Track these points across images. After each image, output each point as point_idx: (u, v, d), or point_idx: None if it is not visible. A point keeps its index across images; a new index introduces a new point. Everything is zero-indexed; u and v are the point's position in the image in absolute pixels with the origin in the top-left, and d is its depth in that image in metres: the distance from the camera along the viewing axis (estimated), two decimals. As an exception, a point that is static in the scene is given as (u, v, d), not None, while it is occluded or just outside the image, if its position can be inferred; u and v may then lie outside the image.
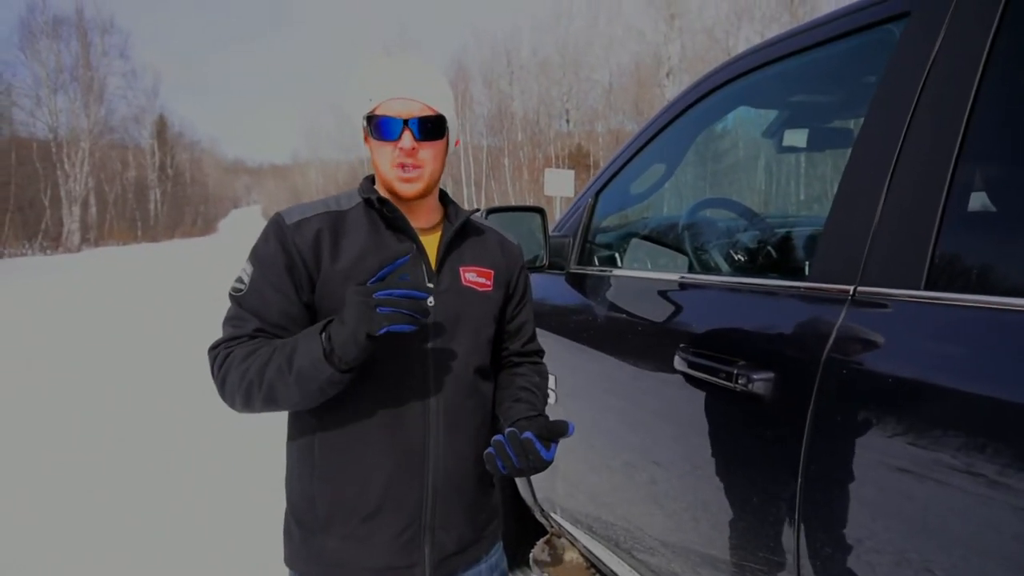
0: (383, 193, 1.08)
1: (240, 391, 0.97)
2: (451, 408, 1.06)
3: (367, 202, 1.07)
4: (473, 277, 1.10)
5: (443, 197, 1.15)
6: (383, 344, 0.96)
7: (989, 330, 0.81)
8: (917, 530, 0.83)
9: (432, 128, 1.02)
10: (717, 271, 1.64)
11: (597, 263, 1.86)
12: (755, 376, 1.07)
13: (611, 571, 1.67)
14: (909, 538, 0.84)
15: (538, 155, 30.13)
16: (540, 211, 1.77)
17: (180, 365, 5.68)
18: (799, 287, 1.12)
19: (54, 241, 29.13)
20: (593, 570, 1.88)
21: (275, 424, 1.01)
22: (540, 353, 1.26)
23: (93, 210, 33.10)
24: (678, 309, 1.44)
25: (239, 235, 36.94)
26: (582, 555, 1.91)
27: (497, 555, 1.21)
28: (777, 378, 1.05)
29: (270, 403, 0.97)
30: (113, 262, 20.89)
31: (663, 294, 1.49)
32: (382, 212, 1.06)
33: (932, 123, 0.93)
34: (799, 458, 0.99)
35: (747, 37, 22.53)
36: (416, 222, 1.08)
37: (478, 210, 1.17)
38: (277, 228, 1.03)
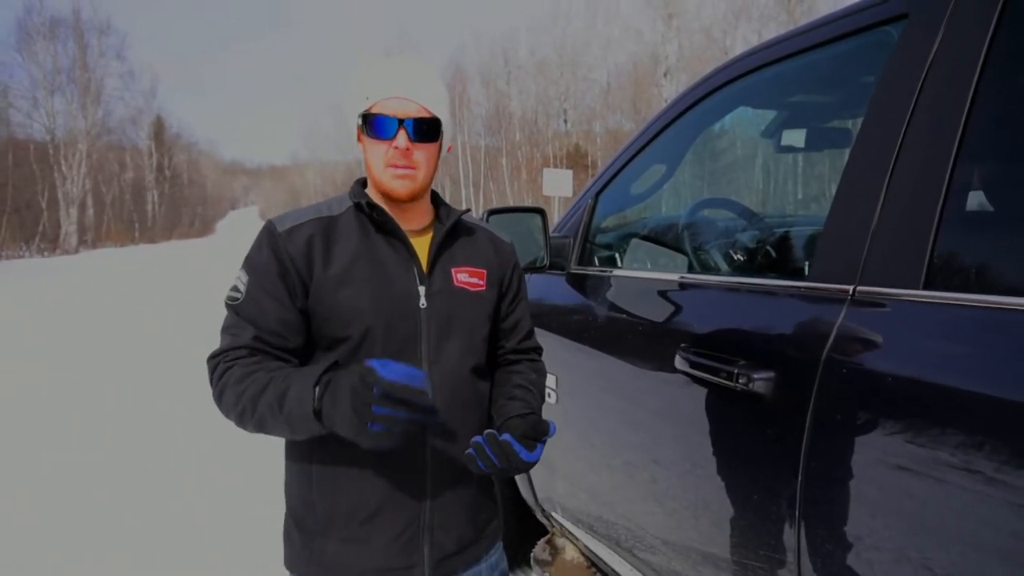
0: (374, 196, 1.08)
1: (234, 413, 0.98)
2: (448, 408, 1.06)
3: (357, 206, 1.07)
4: (465, 278, 1.10)
5: (435, 199, 1.15)
6: (378, 348, 1.03)
7: (987, 329, 0.82)
8: (916, 528, 0.84)
9: (428, 130, 1.02)
10: (717, 271, 1.64)
11: (598, 263, 1.86)
12: (755, 375, 1.07)
13: (612, 570, 1.68)
14: (908, 536, 0.85)
15: (536, 155, 30.14)
16: (541, 212, 1.78)
17: (180, 365, 5.68)
18: (799, 287, 1.13)
19: (51, 243, 29.08)
20: (594, 569, 1.88)
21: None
22: (538, 350, 1.26)
23: (90, 212, 33.04)
24: (679, 309, 1.44)
25: (237, 236, 36.89)
26: (583, 554, 1.92)
27: (497, 555, 1.21)
28: (777, 377, 1.06)
29: (261, 431, 0.98)
30: (111, 264, 20.85)
31: (663, 294, 1.50)
32: (372, 216, 1.06)
33: (930, 124, 0.94)
34: (799, 457, 0.99)
35: (744, 36, 22.57)
36: (407, 224, 1.08)
37: (469, 210, 1.18)
38: (269, 236, 1.03)
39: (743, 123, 1.99)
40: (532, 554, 2.01)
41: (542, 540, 2.05)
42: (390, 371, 0.84)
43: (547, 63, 30.56)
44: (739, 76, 1.44)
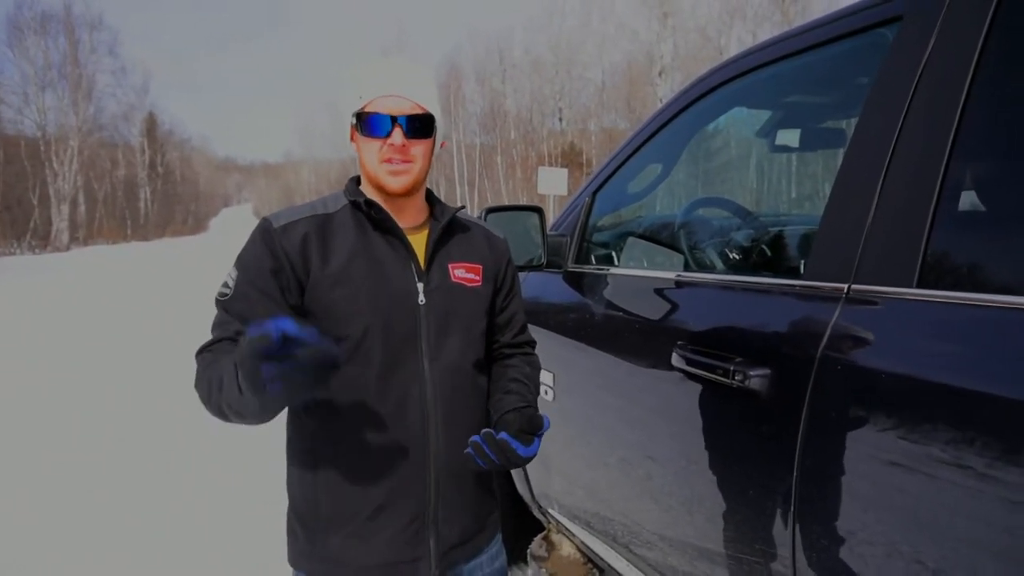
0: (369, 193, 1.09)
1: (207, 405, 0.95)
2: (449, 403, 1.08)
3: (354, 204, 1.08)
4: (462, 273, 1.11)
5: (429, 196, 1.16)
6: (378, 346, 1.02)
7: (979, 327, 0.83)
8: (909, 523, 0.85)
9: (421, 126, 1.03)
10: (714, 270, 1.66)
11: (595, 262, 1.87)
12: (751, 372, 1.09)
13: (608, 566, 1.69)
14: (901, 531, 0.86)
15: (531, 153, 30.12)
16: (538, 210, 1.79)
17: (179, 365, 5.63)
18: (794, 285, 1.14)
19: (43, 240, 28.87)
20: (590, 565, 1.90)
21: (274, 424, 1.02)
22: (531, 344, 1.28)
23: (82, 208, 32.81)
24: (675, 307, 1.46)
25: (230, 234, 36.70)
26: (579, 550, 1.93)
27: (497, 546, 1.23)
28: (773, 374, 1.07)
29: (230, 420, 0.94)
30: (104, 261, 20.72)
31: (660, 292, 1.51)
32: (369, 214, 1.07)
33: (924, 125, 0.96)
34: (794, 453, 1.01)
35: (739, 36, 22.62)
36: (403, 222, 1.09)
37: (464, 207, 1.19)
38: (264, 232, 1.04)
39: (739, 123, 2.01)
40: (529, 550, 2.02)
41: (539, 536, 2.06)
42: (257, 329, 0.76)
43: (542, 61, 30.54)
44: (736, 76, 1.45)
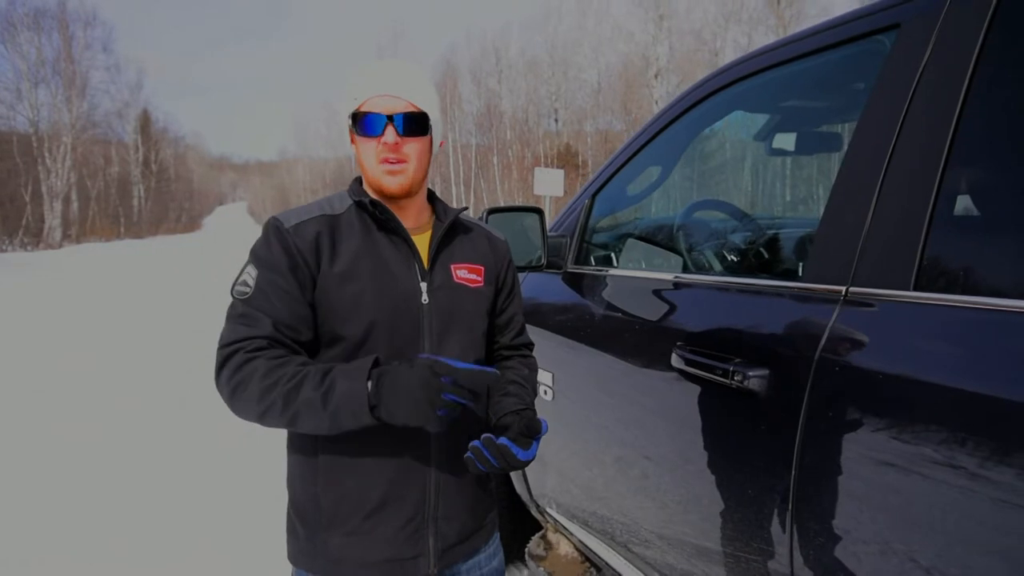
0: (372, 194, 1.10)
1: (256, 408, 0.96)
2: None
3: (359, 205, 1.09)
4: (464, 274, 1.13)
5: (431, 197, 1.17)
6: (381, 344, 1.05)
7: (975, 329, 0.84)
8: (905, 522, 0.86)
9: (415, 124, 1.04)
10: (713, 272, 1.67)
11: (594, 263, 1.89)
12: (750, 373, 1.10)
13: (606, 565, 1.70)
14: (897, 530, 0.87)
15: (527, 154, 30.11)
16: (539, 211, 1.80)
17: (179, 364, 5.65)
18: (793, 287, 1.16)
19: (35, 237, 28.63)
20: (588, 564, 1.91)
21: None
22: (529, 346, 1.29)
23: (75, 206, 32.56)
24: (674, 308, 1.47)
25: (225, 232, 36.51)
26: (577, 549, 1.95)
27: (495, 544, 1.24)
28: (771, 375, 1.08)
29: (290, 426, 0.99)
30: (97, 259, 20.57)
31: (659, 294, 1.52)
32: (374, 214, 1.08)
33: (921, 131, 0.97)
34: (792, 453, 1.02)
35: (734, 39, 22.70)
36: (406, 222, 1.10)
37: (466, 208, 1.20)
38: (277, 231, 1.04)
39: (738, 127, 2.02)
40: (527, 549, 2.03)
41: (536, 535, 2.07)
42: (459, 363, 0.95)
43: (538, 62, 30.56)
44: (735, 81, 1.47)
